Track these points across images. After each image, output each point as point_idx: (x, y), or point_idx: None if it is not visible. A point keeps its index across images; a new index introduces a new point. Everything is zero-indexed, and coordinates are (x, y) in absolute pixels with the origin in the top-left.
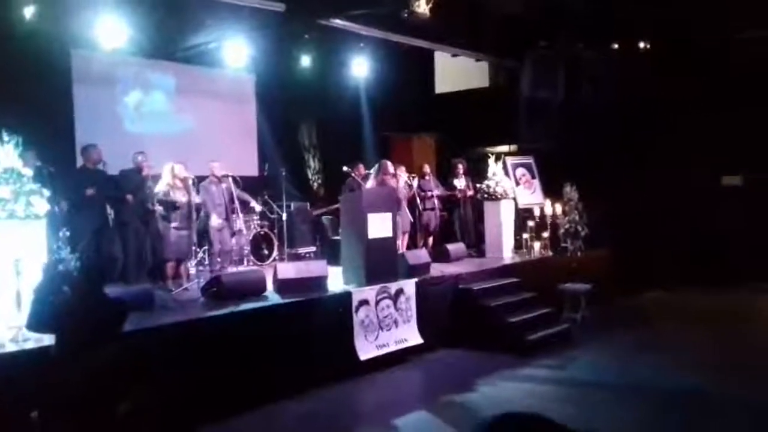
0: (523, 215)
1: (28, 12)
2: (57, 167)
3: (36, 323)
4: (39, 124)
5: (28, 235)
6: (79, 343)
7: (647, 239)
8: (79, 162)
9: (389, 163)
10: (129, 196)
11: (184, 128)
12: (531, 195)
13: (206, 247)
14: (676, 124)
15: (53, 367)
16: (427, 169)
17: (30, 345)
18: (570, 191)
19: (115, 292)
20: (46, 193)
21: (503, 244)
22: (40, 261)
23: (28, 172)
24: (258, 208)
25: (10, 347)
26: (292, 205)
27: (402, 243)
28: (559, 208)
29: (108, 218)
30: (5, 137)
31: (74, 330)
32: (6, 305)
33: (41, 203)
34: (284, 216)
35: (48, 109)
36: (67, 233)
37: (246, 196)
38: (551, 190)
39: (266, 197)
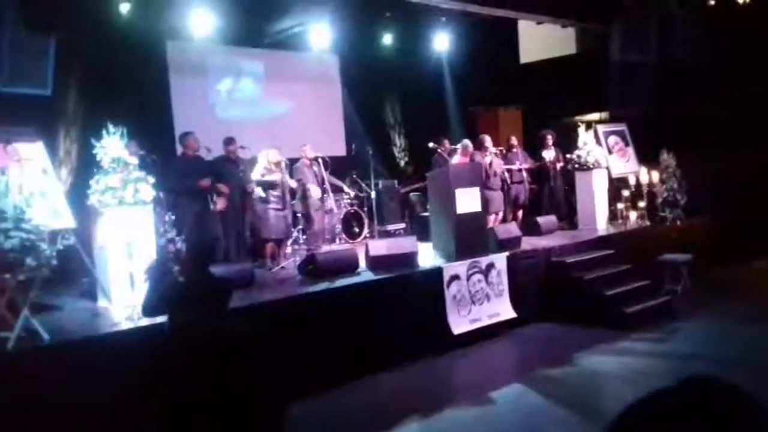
0: (617, 185)
1: (125, 8)
2: (158, 155)
3: (151, 308)
4: (139, 114)
5: (137, 220)
6: (190, 319)
7: (752, 205)
8: (179, 150)
9: (488, 138)
10: (224, 187)
11: (274, 112)
12: (625, 163)
13: (300, 227)
14: None
15: (167, 343)
16: (514, 141)
17: (144, 322)
18: (667, 158)
19: (218, 271)
20: (151, 180)
21: (597, 215)
22: (150, 244)
23: (134, 160)
24: (351, 193)
25: (127, 325)
26: (380, 183)
27: (495, 221)
28: (655, 175)
29: (209, 202)
30: (111, 128)
31: (185, 307)
32: (120, 286)
33: (147, 190)
34: (373, 194)
35: (147, 99)
36: (173, 217)
37: (337, 182)
38: (647, 158)
39: (354, 176)
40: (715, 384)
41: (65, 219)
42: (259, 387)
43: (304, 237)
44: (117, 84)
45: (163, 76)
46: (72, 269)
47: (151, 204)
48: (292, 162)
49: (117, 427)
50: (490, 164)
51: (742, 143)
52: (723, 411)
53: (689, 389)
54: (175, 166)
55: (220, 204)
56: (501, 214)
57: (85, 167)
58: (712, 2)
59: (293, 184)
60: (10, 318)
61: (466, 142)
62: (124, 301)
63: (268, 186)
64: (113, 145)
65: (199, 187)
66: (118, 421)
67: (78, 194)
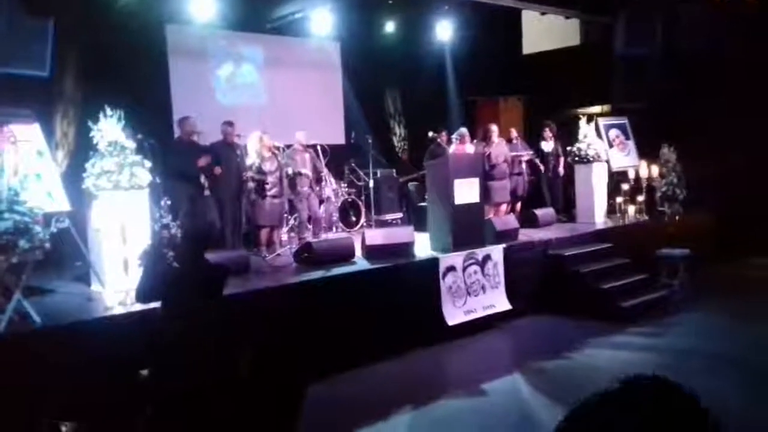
0: (617, 178)
1: None
2: (156, 139)
3: (144, 294)
4: (138, 98)
5: (132, 204)
6: (184, 305)
7: (751, 201)
8: (177, 134)
9: (494, 127)
10: (217, 169)
11: (274, 98)
12: (625, 157)
13: (297, 214)
14: None
15: (159, 329)
16: (514, 133)
17: (137, 307)
18: (668, 152)
19: (214, 258)
20: (148, 164)
21: (595, 208)
22: (144, 229)
23: (131, 144)
24: (333, 186)
25: (119, 310)
26: (379, 172)
27: (498, 212)
28: (655, 170)
29: (203, 187)
30: (108, 112)
31: (179, 293)
32: (114, 270)
33: (144, 174)
34: (371, 183)
35: (146, 83)
36: (168, 202)
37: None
38: (647, 152)
39: (353, 165)
40: (659, 384)
41: (60, 202)
42: (253, 375)
43: (298, 224)
44: (115, 67)
45: (163, 60)
46: (66, 253)
47: (146, 188)
48: (288, 148)
49: (108, 412)
50: (488, 156)
51: (743, 138)
52: (668, 411)
53: (634, 389)
54: (171, 150)
55: (217, 170)
56: (506, 206)
57: (82, 150)
58: None
59: (290, 171)
60: (1, 301)
61: (463, 130)
62: (117, 285)
63: (263, 173)
64: (110, 129)
65: (195, 170)
66: (110, 407)
67: (73, 177)
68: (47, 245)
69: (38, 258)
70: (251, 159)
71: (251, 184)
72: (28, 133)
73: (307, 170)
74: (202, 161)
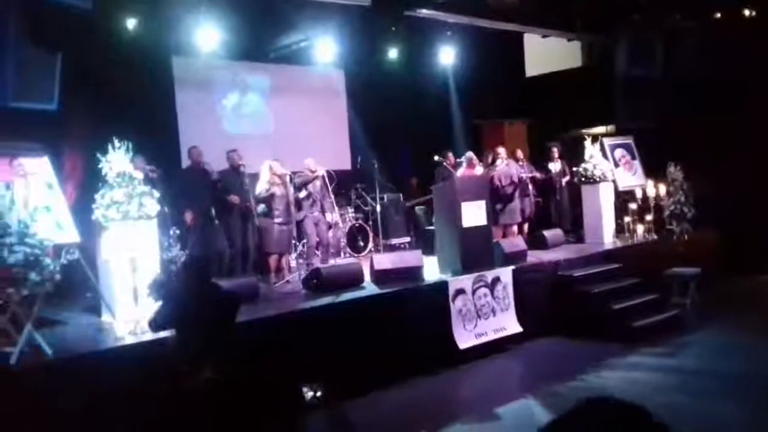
0: (623, 198)
1: (131, 23)
2: (163, 169)
3: (156, 323)
4: (145, 129)
5: (141, 234)
6: (198, 334)
7: (758, 219)
8: (184, 164)
9: (502, 150)
10: (234, 197)
11: (280, 126)
12: (632, 177)
13: (305, 241)
14: None
15: (172, 359)
16: (520, 154)
17: (148, 337)
18: (674, 171)
19: (224, 285)
20: (156, 194)
21: (603, 228)
22: (154, 258)
23: (139, 175)
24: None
25: (130, 340)
26: (386, 196)
27: (508, 235)
28: (662, 189)
29: (211, 215)
30: (116, 143)
31: (193, 322)
32: (124, 300)
33: (152, 204)
34: (378, 208)
35: (153, 114)
36: (177, 231)
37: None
38: (653, 171)
39: (360, 190)
40: (612, 405)
41: (69, 233)
42: (265, 401)
43: (306, 250)
44: (123, 99)
45: (169, 91)
46: (76, 284)
47: (155, 218)
48: (295, 174)
49: None
50: (491, 178)
51: (749, 156)
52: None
53: (587, 412)
54: (182, 178)
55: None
56: (516, 227)
57: (91, 182)
58: (718, 15)
59: (302, 194)
60: (13, 333)
61: (470, 154)
62: (127, 315)
63: (272, 199)
64: (118, 160)
65: (207, 198)
66: None
67: (83, 209)
68: (57, 277)
69: (49, 290)
70: (261, 185)
71: (259, 209)
72: (38, 166)
73: (316, 197)
74: (234, 198)
